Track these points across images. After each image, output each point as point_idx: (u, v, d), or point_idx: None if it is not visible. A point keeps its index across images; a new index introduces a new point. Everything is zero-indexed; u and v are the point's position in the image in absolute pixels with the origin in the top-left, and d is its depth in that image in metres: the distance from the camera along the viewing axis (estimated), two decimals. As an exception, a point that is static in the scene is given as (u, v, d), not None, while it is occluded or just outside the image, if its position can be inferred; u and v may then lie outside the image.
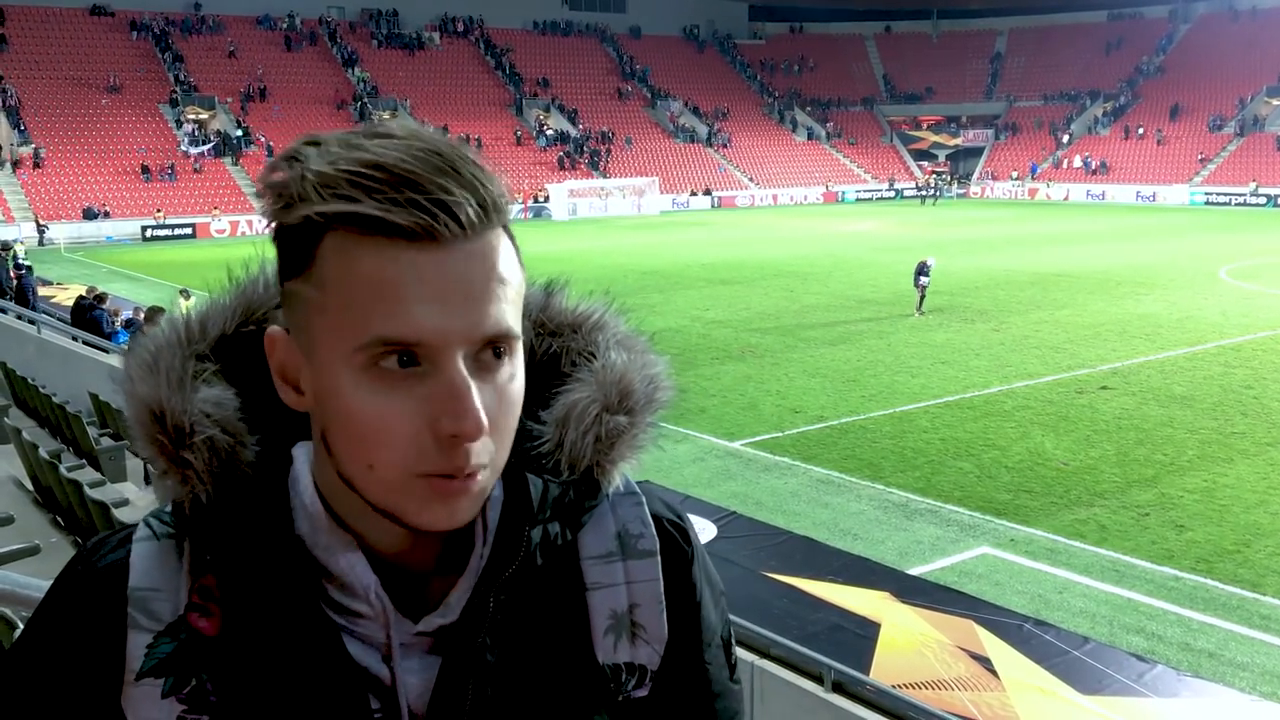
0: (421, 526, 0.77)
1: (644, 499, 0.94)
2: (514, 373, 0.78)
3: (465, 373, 0.73)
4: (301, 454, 0.85)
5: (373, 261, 0.72)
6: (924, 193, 62.46)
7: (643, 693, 0.91)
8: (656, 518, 0.93)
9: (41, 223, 42.34)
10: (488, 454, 0.76)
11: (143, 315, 10.79)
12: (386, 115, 56.90)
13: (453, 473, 0.75)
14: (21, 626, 3.35)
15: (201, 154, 50.73)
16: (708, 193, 60.03)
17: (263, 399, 0.85)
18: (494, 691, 0.84)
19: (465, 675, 0.83)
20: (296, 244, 0.75)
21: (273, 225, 0.77)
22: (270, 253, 0.84)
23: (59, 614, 0.84)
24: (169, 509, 0.86)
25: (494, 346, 0.75)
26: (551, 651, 0.87)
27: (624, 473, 0.92)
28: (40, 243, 40.71)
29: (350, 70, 61.22)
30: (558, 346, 0.93)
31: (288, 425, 0.84)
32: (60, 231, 42.06)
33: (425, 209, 0.71)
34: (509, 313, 0.76)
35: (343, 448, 0.77)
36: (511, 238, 0.80)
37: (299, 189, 0.73)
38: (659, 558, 0.92)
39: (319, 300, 0.75)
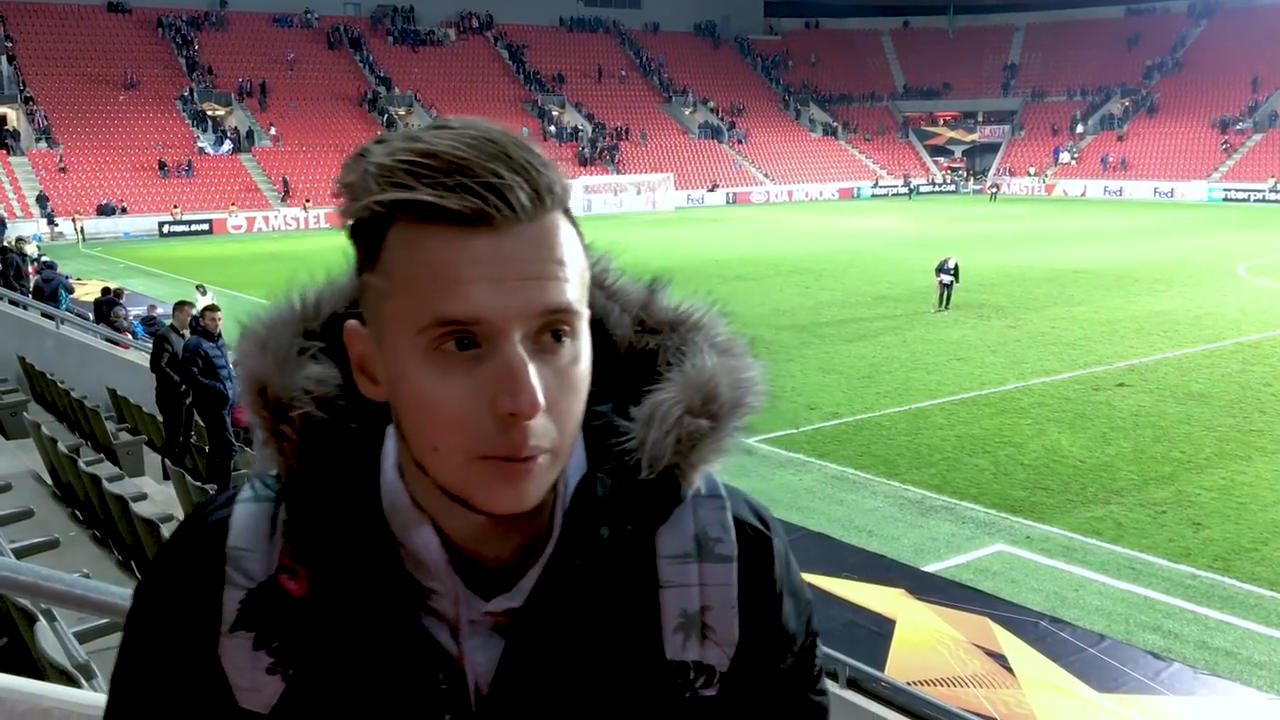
0: (489, 510, 0.79)
1: (728, 503, 0.93)
2: (576, 356, 0.79)
3: (522, 352, 0.75)
4: (392, 434, 0.88)
5: (432, 246, 0.75)
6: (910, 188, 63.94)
7: (710, 692, 0.91)
8: (739, 523, 0.93)
9: (80, 217, 42.74)
10: (548, 437, 0.77)
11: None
12: (402, 111, 57.12)
13: (511, 454, 0.76)
14: (41, 619, 3.41)
15: (225, 153, 51.00)
16: (714, 188, 60.02)
17: None
18: (557, 674, 0.86)
19: (527, 657, 0.86)
20: (367, 237, 0.78)
21: (348, 222, 0.80)
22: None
23: (171, 567, 0.91)
24: (274, 473, 0.90)
25: (554, 328, 0.76)
26: (618, 642, 0.88)
27: (709, 475, 0.91)
28: (83, 239, 41.02)
29: (366, 67, 61.38)
30: (655, 344, 0.94)
31: (385, 405, 0.86)
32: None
33: (476, 193, 0.73)
34: (568, 290, 0.77)
35: (411, 432, 0.79)
36: (574, 223, 0.81)
37: (363, 182, 0.77)
38: (735, 564, 0.91)
39: (386, 289, 0.77)
